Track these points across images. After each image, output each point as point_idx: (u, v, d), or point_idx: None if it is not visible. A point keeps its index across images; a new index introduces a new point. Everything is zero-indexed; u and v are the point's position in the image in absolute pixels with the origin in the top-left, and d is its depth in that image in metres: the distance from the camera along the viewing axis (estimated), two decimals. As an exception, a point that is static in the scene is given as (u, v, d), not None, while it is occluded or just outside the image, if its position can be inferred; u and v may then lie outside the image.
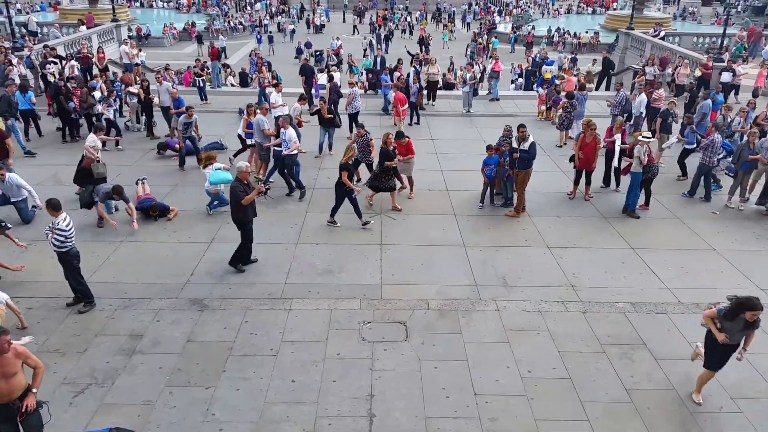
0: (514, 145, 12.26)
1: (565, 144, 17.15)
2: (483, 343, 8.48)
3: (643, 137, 12.34)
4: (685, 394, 7.54)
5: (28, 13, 35.58)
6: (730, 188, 13.41)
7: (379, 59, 24.80)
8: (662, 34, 31.34)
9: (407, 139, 13.15)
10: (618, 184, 14.01)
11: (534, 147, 12.17)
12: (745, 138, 13.40)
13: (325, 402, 7.31)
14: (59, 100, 16.76)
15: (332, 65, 26.77)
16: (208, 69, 24.02)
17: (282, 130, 12.93)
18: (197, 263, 10.50)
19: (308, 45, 30.57)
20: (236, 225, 10.14)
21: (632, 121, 17.41)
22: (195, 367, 7.88)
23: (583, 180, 13.46)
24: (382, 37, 41.23)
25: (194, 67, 22.88)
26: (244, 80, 25.34)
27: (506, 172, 12.67)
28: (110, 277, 9.97)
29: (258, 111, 13.85)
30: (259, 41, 41.28)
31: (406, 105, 18.39)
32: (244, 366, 7.86)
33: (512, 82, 26.77)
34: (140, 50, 27.56)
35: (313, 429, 6.90)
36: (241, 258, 10.30)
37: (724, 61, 23.31)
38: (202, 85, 21.88)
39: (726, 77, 21.84)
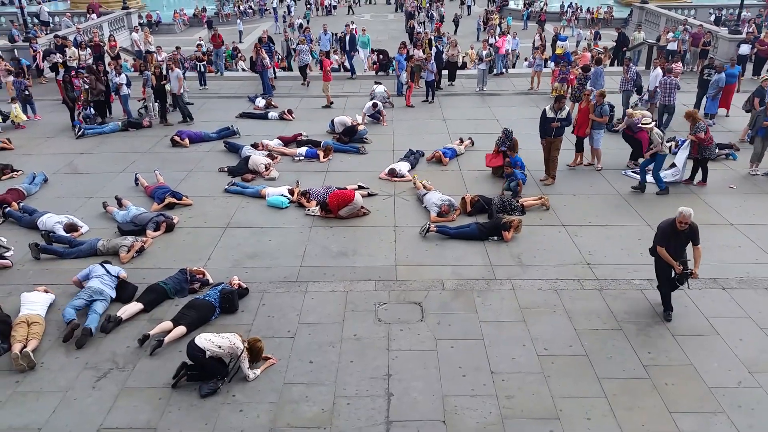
0: (550, 115, 12.75)
1: None
2: (499, 322, 8.49)
3: (643, 123, 12.44)
4: (703, 369, 7.52)
5: (39, 3, 35.69)
6: (752, 156, 13.51)
7: (348, 37, 24.51)
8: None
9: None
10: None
11: (570, 115, 13.09)
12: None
13: (343, 382, 7.37)
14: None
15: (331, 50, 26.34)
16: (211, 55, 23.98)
17: None
18: (213, 248, 10.59)
19: (308, 39, 29.92)
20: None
21: (645, 96, 17.23)
22: (214, 350, 7.97)
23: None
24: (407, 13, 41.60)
25: (195, 51, 22.85)
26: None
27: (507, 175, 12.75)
28: (128, 262, 10.09)
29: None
30: (276, 19, 41.27)
31: (330, 68, 19.95)
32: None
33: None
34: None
35: (332, 409, 6.97)
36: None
37: (741, 33, 22.86)
38: (202, 70, 21.88)
39: (744, 50, 21.41)
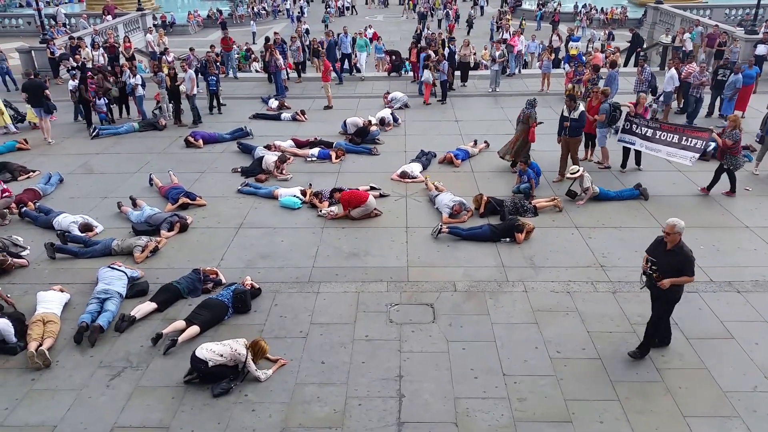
0: (564, 114, 12.80)
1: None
2: (511, 324, 8.46)
3: (570, 174, 12.29)
4: (717, 373, 7.45)
5: (56, 5, 36.11)
6: (757, 154, 13.48)
7: (327, 41, 23.32)
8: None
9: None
10: (637, 162, 13.89)
11: (583, 115, 12.89)
12: None
13: (354, 383, 7.39)
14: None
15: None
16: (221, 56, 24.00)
17: None
18: (226, 248, 10.65)
19: (332, 43, 29.62)
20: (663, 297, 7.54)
21: (660, 97, 17.10)
22: (226, 349, 8.02)
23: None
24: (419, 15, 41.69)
25: (208, 52, 22.94)
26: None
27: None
28: (142, 262, 10.16)
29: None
30: (292, 20, 41.40)
31: (330, 69, 19.99)
32: (275, 348, 7.93)
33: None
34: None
35: (344, 409, 6.99)
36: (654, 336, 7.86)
37: (758, 33, 22.62)
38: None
39: (762, 50, 21.17)
